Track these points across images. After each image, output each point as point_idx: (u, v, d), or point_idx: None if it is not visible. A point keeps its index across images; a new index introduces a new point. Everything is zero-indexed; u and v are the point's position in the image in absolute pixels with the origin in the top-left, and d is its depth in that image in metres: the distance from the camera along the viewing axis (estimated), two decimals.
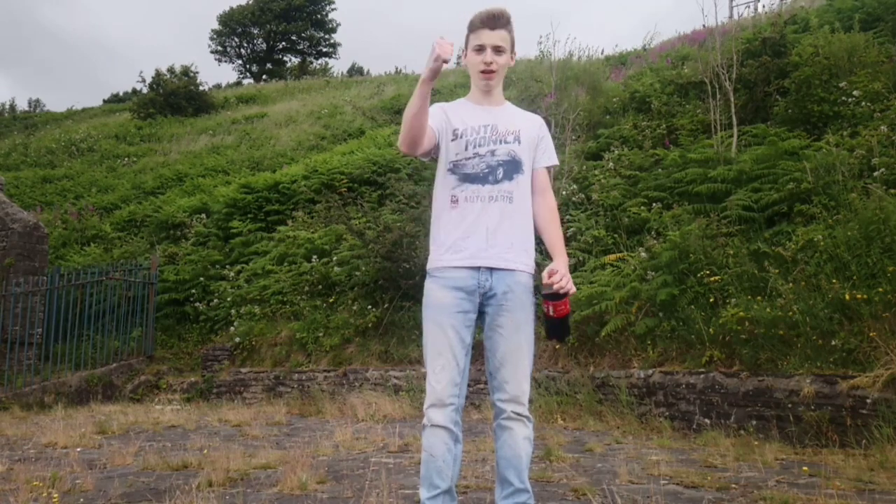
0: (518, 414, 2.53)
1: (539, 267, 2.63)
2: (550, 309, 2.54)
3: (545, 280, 2.51)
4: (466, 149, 2.59)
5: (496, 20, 2.61)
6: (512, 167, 2.61)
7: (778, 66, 9.04)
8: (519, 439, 2.52)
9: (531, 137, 2.68)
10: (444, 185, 2.63)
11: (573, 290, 2.54)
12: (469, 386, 6.97)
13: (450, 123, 2.63)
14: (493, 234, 2.55)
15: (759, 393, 5.24)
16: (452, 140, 2.61)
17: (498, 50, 2.63)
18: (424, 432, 2.55)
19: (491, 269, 2.55)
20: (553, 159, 2.75)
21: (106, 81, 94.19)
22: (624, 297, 6.50)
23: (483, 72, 2.63)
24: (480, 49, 2.62)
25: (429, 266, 2.64)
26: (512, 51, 2.69)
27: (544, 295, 2.54)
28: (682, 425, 5.71)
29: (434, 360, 2.54)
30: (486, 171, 2.58)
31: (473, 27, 2.63)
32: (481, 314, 2.60)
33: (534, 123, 2.74)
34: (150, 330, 10.74)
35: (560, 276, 2.49)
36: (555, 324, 2.58)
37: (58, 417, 7.62)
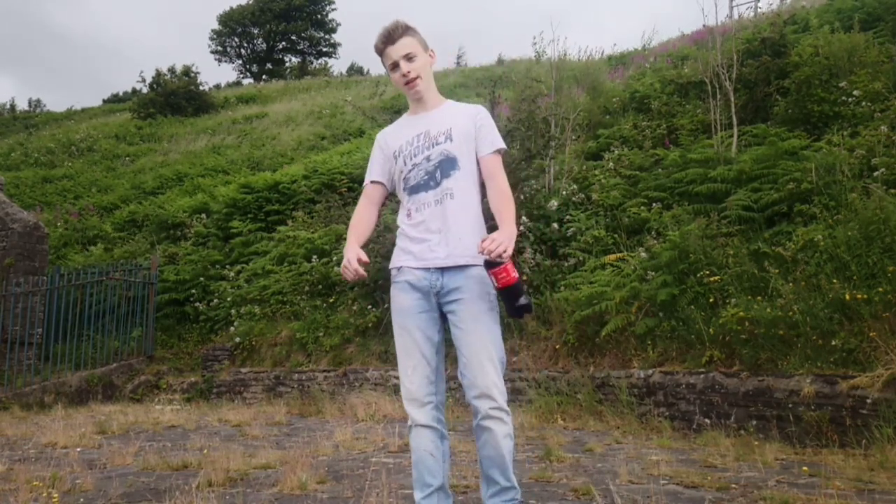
0: (495, 410, 2.50)
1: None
2: (493, 280, 2.43)
3: (477, 250, 2.43)
4: (405, 163, 2.70)
5: (392, 35, 2.68)
6: (448, 165, 2.65)
7: (778, 66, 9.04)
8: (500, 438, 2.50)
9: (464, 132, 2.67)
10: (402, 202, 2.76)
11: (508, 252, 2.39)
12: None
13: (388, 155, 2.75)
14: (442, 234, 2.61)
15: (759, 393, 5.24)
16: (395, 163, 2.73)
17: (408, 58, 2.67)
18: (410, 434, 2.61)
19: (441, 270, 2.60)
20: (497, 143, 2.69)
21: (110, 81, 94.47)
22: (624, 297, 6.50)
23: (406, 84, 2.69)
24: (394, 66, 2.69)
25: (390, 267, 2.74)
26: (426, 50, 2.74)
27: (484, 265, 2.46)
28: (682, 425, 5.71)
29: (405, 361, 2.62)
30: (426, 177, 2.66)
31: (378, 50, 2.72)
32: (443, 315, 2.65)
33: (469, 116, 2.72)
34: (150, 330, 10.74)
35: (490, 240, 2.38)
36: (507, 296, 2.45)
37: (58, 417, 7.61)
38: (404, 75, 2.67)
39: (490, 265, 2.43)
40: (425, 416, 2.57)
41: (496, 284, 2.45)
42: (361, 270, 2.58)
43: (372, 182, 2.79)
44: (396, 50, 2.66)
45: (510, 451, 2.52)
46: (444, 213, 2.61)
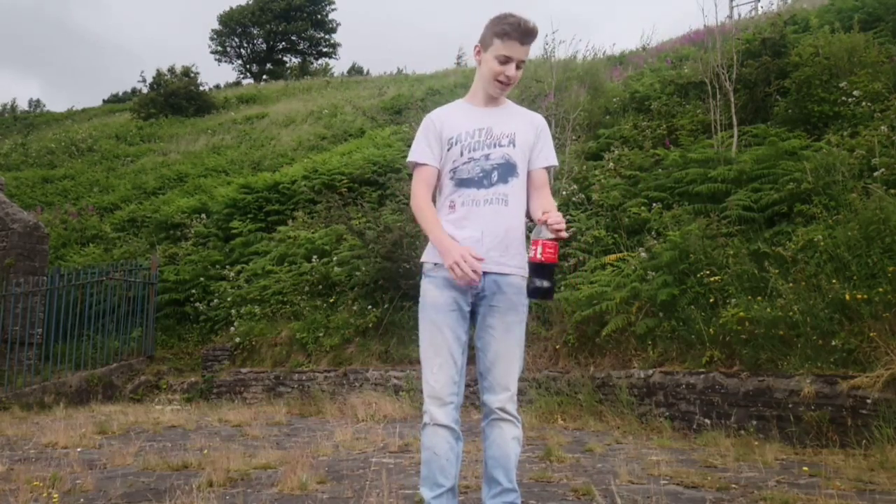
0: (507, 414, 2.54)
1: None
2: (539, 250, 2.40)
3: (539, 219, 2.43)
4: (462, 154, 2.60)
5: (530, 36, 2.57)
6: (506, 170, 2.59)
7: (778, 66, 9.04)
8: (508, 439, 2.53)
9: (527, 140, 2.64)
10: (443, 190, 2.66)
11: (564, 234, 2.43)
12: (469, 386, 6.97)
13: (443, 140, 2.63)
14: (487, 237, 2.55)
15: (760, 393, 5.24)
16: (448, 150, 2.62)
17: (520, 66, 2.60)
18: (425, 431, 2.56)
19: (484, 273, 2.53)
20: (551, 160, 2.70)
21: (123, 81, 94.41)
22: (624, 297, 6.50)
23: (500, 83, 2.60)
24: (507, 60, 2.57)
25: (423, 261, 2.65)
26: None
27: (533, 235, 2.46)
28: (683, 425, 5.71)
29: (432, 359, 2.56)
30: (481, 174, 2.58)
31: (505, 35, 2.54)
32: (473, 313, 2.62)
33: (532, 125, 2.69)
34: (151, 330, 10.74)
35: (556, 214, 2.41)
36: (539, 272, 2.44)
37: (58, 417, 7.61)
38: (508, 77, 2.58)
39: (539, 237, 2.42)
40: (446, 415, 2.52)
41: (539, 256, 2.40)
42: (479, 270, 2.45)
43: (427, 165, 2.64)
44: (520, 52, 2.57)
45: (516, 454, 2.55)
46: (495, 216, 2.55)
